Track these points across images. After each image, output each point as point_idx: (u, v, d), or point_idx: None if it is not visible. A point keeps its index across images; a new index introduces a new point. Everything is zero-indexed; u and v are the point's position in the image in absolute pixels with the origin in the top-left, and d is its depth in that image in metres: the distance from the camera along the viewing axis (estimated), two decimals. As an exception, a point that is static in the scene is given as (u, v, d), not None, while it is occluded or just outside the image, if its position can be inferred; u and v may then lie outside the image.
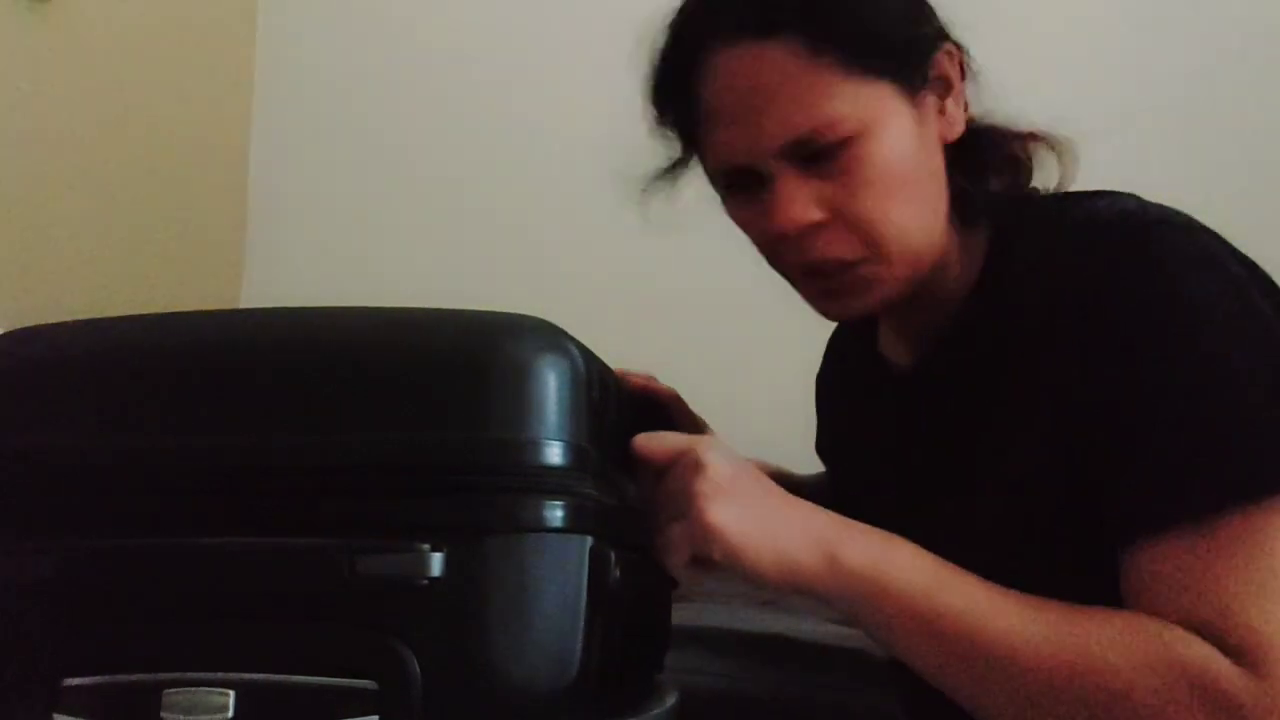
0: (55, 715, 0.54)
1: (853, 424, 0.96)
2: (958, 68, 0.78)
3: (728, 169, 0.76)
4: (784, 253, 0.76)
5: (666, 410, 0.98)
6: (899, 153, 0.73)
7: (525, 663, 0.54)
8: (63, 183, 1.63)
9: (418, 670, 0.52)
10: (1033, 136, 0.82)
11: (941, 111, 0.77)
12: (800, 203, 0.72)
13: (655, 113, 0.81)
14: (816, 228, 0.73)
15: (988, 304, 0.77)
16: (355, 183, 2.01)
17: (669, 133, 0.81)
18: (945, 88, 0.77)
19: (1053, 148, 0.81)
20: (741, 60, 0.72)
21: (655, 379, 0.97)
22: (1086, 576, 0.67)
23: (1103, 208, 0.74)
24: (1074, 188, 0.81)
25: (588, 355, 0.61)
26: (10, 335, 0.64)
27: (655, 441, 0.68)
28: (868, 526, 0.67)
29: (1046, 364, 0.71)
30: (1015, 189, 0.80)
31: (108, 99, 1.71)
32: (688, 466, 0.65)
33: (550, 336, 0.59)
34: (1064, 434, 0.70)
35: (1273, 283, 0.71)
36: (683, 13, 0.77)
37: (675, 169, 0.84)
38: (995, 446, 0.75)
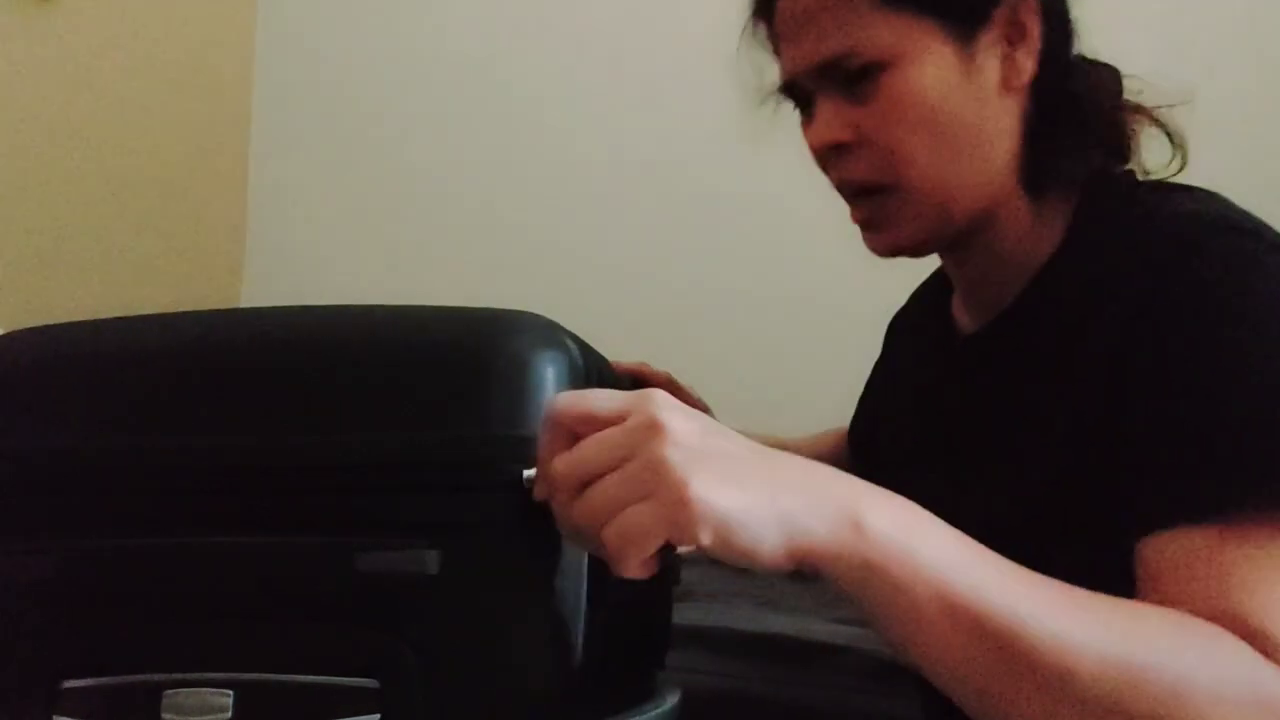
0: (55, 717, 0.54)
1: (913, 381, 0.96)
2: (1036, 17, 0.77)
3: (783, 84, 0.81)
4: (826, 172, 0.80)
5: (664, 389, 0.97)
6: (931, 88, 0.75)
7: (526, 660, 0.54)
8: (63, 183, 1.63)
9: (419, 668, 0.52)
10: (1140, 111, 0.81)
11: (1009, 59, 0.76)
12: (829, 123, 0.77)
13: (754, 29, 0.86)
14: (843, 148, 0.77)
15: (1054, 284, 0.77)
16: (355, 183, 2.01)
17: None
18: (1017, 35, 0.76)
19: (1162, 127, 0.81)
20: None
21: (647, 365, 0.97)
22: (1105, 561, 0.65)
23: (1183, 205, 0.73)
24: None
25: (586, 350, 0.61)
26: (10, 335, 0.64)
27: (581, 403, 0.52)
28: (885, 490, 0.55)
29: (1096, 351, 0.70)
30: (1109, 167, 0.80)
31: (108, 99, 1.71)
32: (641, 431, 0.50)
33: (548, 332, 0.59)
34: (1101, 420, 0.69)
35: None
36: None
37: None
38: (1034, 423, 0.74)
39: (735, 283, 1.79)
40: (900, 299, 1.05)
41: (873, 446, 1.01)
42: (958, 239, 0.80)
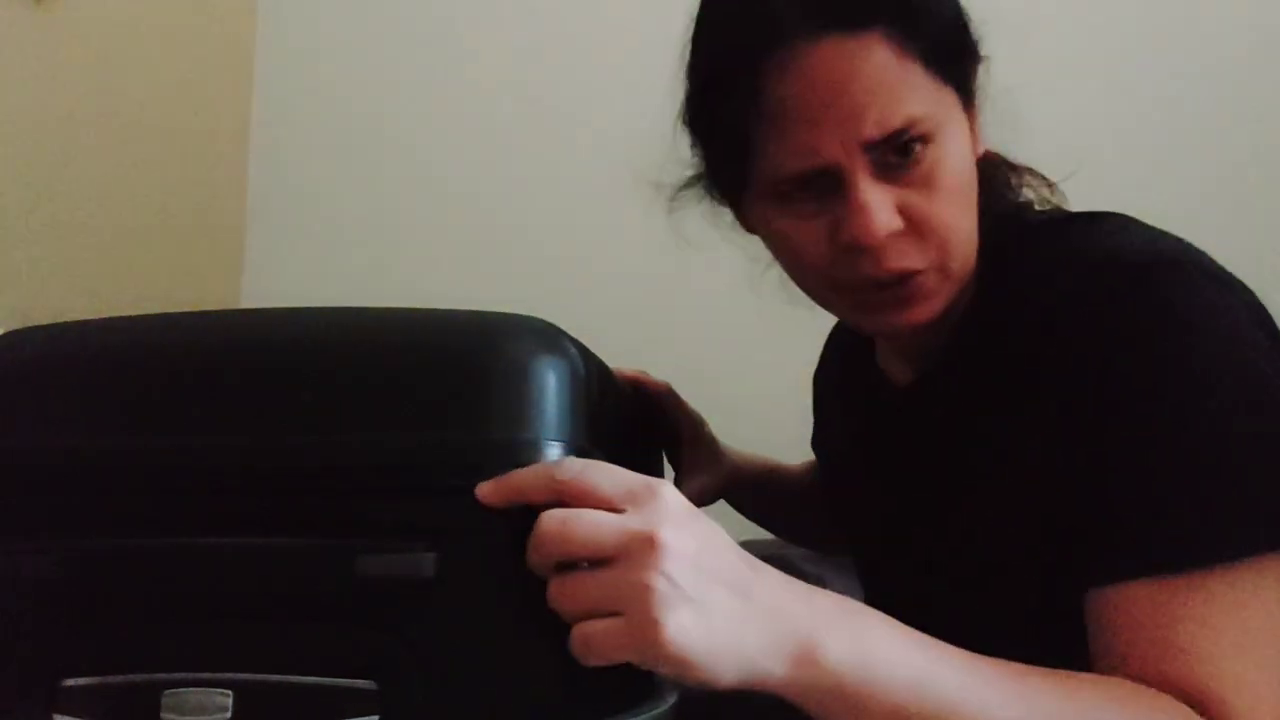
0: (55, 716, 0.54)
1: (848, 432, 0.95)
2: (977, 89, 0.76)
3: (803, 171, 0.69)
4: (849, 265, 0.71)
5: (661, 404, 0.98)
6: (964, 161, 0.72)
7: (524, 661, 0.54)
8: (62, 183, 1.63)
9: (418, 670, 0.52)
10: (1029, 171, 0.82)
11: (973, 123, 0.75)
12: (888, 210, 0.68)
13: (700, 115, 0.76)
14: (896, 237, 0.69)
15: (985, 327, 0.76)
16: (355, 183, 2.01)
17: (713, 135, 0.75)
18: (974, 99, 0.75)
19: (1046, 184, 0.82)
20: (832, 54, 0.66)
21: (647, 373, 0.97)
22: (1059, 609, 0.66)
23: (1106, 237, 0.72)
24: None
25: (587, 355, 0.61)
26: (10, 335, 0.64)
27: (586, 477, 0.53)
28: (844, 604, 0.57)
29: (1035, 397, 0.69)
30: (997, 203, 0.79)
31: (108, 99, 1.71)
32: (637, 541, 0.50)
33: (549, 336, 0.59)
34: (1049, 464, 0.68)
35: (1271, 325, 0.69)
36: (747, 8, 0.70)
37: (702, 179, 0.81)
38: (982, 470, 0.74)
39: (739, 288, 1.79)
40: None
41: (844, 504, 1.00)
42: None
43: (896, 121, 0.67)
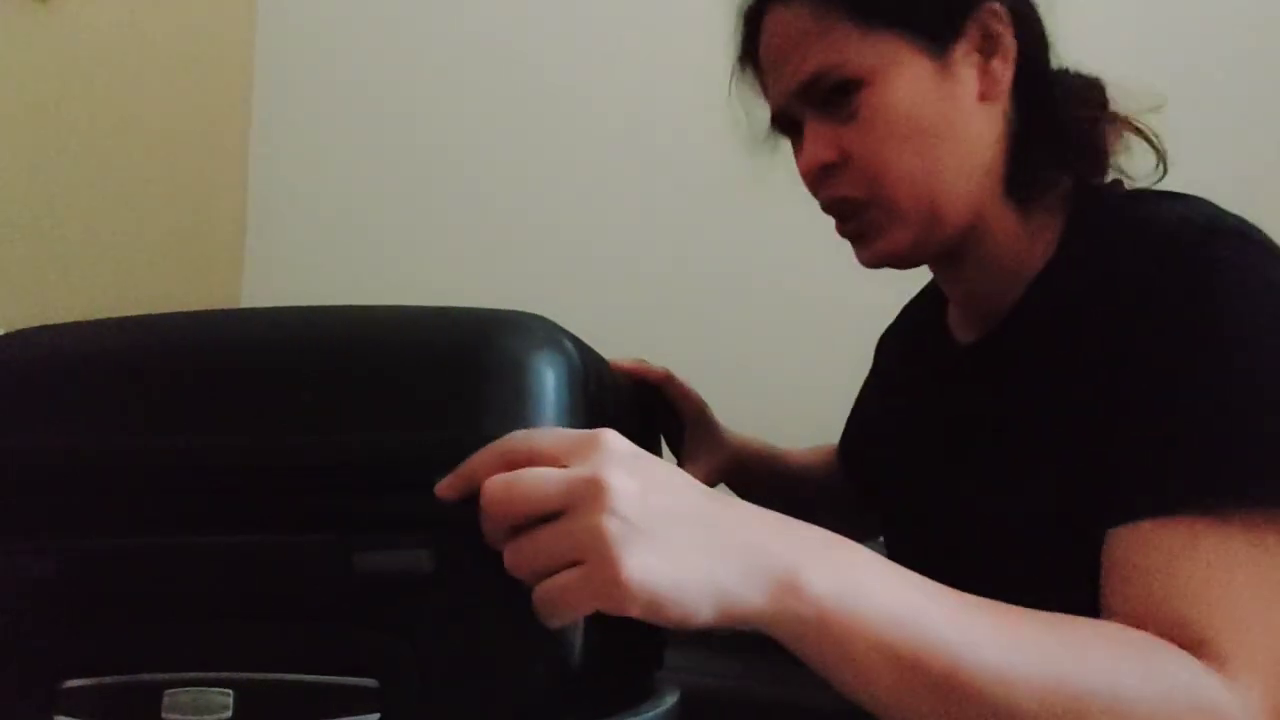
0: (56, 716, 0.54)
1: (907, 392, 0.96)
2: (1009, 28, 0.78)
3: (773, 118, 0.84)
4: (816, 195, 0.82)
5: (661, 392, 0.97)
6: (907, 101, 0.76)
7: (525, 660, 0.54)
8: (63, 183, 1.63)
9: (418, 668, 0.52)
10: (1121, 121, 0.82)
11: (985, 70, 0.78)
12: (816, 143, 0.78)
13: (742, 74, 0.89)
14: (830, 168, 0.79)
15: (1049, 292, 0.78)
16: (355, 183, 2.01)
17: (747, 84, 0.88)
18: (991, 46, 0.78)
19: (1144, 136, 0.81)
20: (774, 20, 0.81)
21: (646, 361, 0.97)
22: (1097, 566, 0.66)
23: (1170, 210, 0.73)
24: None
25: (584, 350, 0.61)
26: (10, 335, 0.64)
27: (527, 441, 0.52)
28: (827, 536, 0.56)
29: (1092, 354, 0.71)
30: (1094, 177, 0.81)
31: (108, 99, 1.71)
32: (581, 486, 0.50)
33: (546, 332, 0.59)
34: (1097, 420, 0.69)
35: None
36: None
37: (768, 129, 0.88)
38: (1038, 428, 0.74)
39: (737, 282, 1.79)
40: (897, 301, 1.06)
41: (867, 461, 1.01)
42: (947, 249, 0.80)
43: (808, 69, 0.78)
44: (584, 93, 1.91)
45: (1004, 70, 0.78)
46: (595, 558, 0.49)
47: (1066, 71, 0.83)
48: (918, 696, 0.54)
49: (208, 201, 1.95)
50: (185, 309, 0.65)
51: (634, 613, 0.49)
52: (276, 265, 2.01)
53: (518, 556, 0.51)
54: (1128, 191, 0.81)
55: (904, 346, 1.02)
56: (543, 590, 0.50)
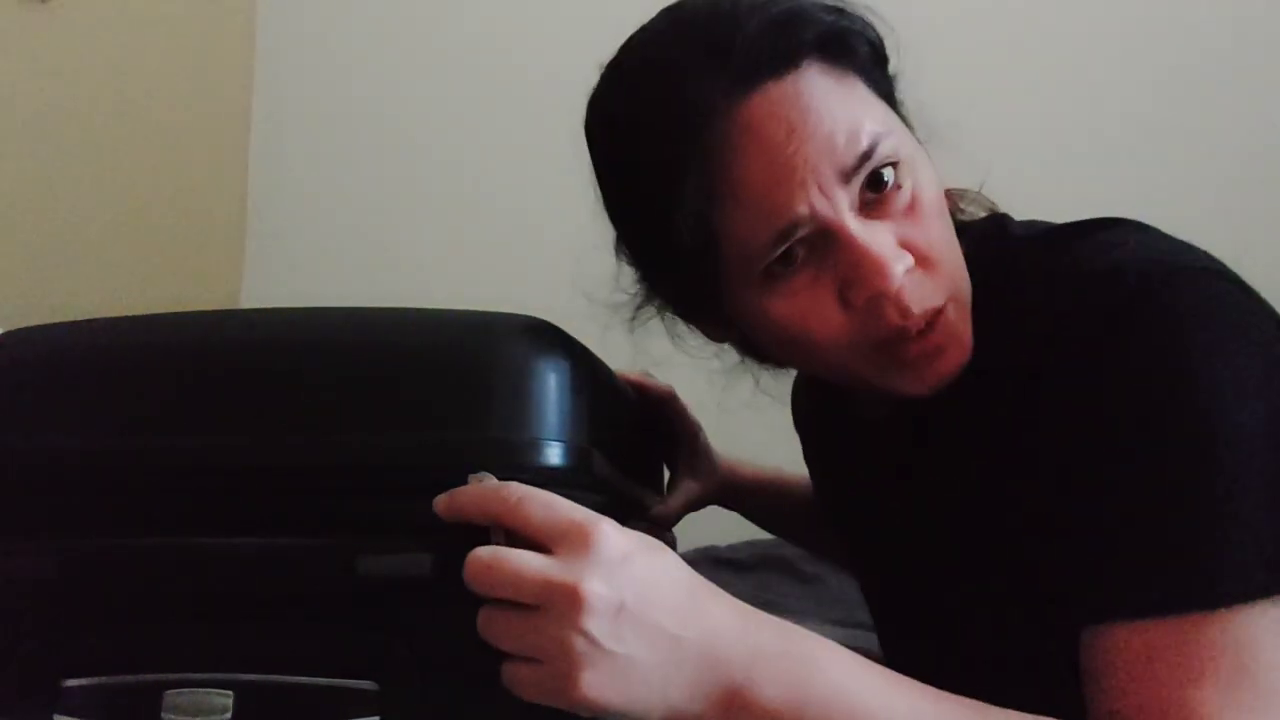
0: (56, 716, 0.54)
1: (827, 462, 0.93)
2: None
3: (781, 231, 0.61)
4: (871, 323, 0.62)
5: (662, 408, 0.98)
6: (935, 182, 0.65)
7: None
8: (62, 183, 1.63)
9: (418, 670, 0.52)
10: (964, 193, 0.75)
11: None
12: (893, 246, 0.61)
13: (646, 234, 0.69)
14: (910, 275, 0.61)
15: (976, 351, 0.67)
16: (355, 183, 2.01)
17: (668, 247, 0.63)
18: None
19: (984, 203, 0.75)
20: (774, 100, 0.60)
21: (649, 374, 0.96)
22: (1057, 645, 0.62)
23: (1101, 251, 0.64)
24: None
25: (588, 355, 0.61)
26: (10, 335, 0.64)
27: (524, 508, 0.52)
28: (788, 639, 0.55)
29: (1034, 425, 0.64)
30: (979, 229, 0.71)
31: (108, 99, 1.71)
32: (560, 592, 0.50)
33: (550, 336, 0.59)
34: (1041, 495, 0.63)
35: None
36: (664, 97, 0.63)
37: (654, 301, 0.75)
38: (971, 503, 0.69)
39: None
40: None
41: (841, 528, 0.95)
42: None
43: (865, 141, 0.61)
44: (588, 93, 1.91)
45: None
46: (554, 666, 0.50)
47: None
48: None
49: (208, 201, 1.95)
50: (185, 309, 0.65)
51: (586, 715, 0.51)
52: (276, 265, 2.01)
53: (489, 629, 0.52)
54: (1031, 228, 0.71)
55: (814, 416, 0.93)
56: (508, 671, 0.52)
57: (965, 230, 0.68)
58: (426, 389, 0.56)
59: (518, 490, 0.53)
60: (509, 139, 1.94)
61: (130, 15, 1.75)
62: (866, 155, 0.61)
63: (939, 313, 0.63)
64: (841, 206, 0.60)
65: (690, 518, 0.95)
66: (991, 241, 0.70)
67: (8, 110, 1.53)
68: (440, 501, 0.53)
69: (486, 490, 0.53)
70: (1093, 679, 0.59)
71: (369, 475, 0.55)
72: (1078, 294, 0.62)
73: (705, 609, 0.54)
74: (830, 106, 0.61)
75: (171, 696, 0.53)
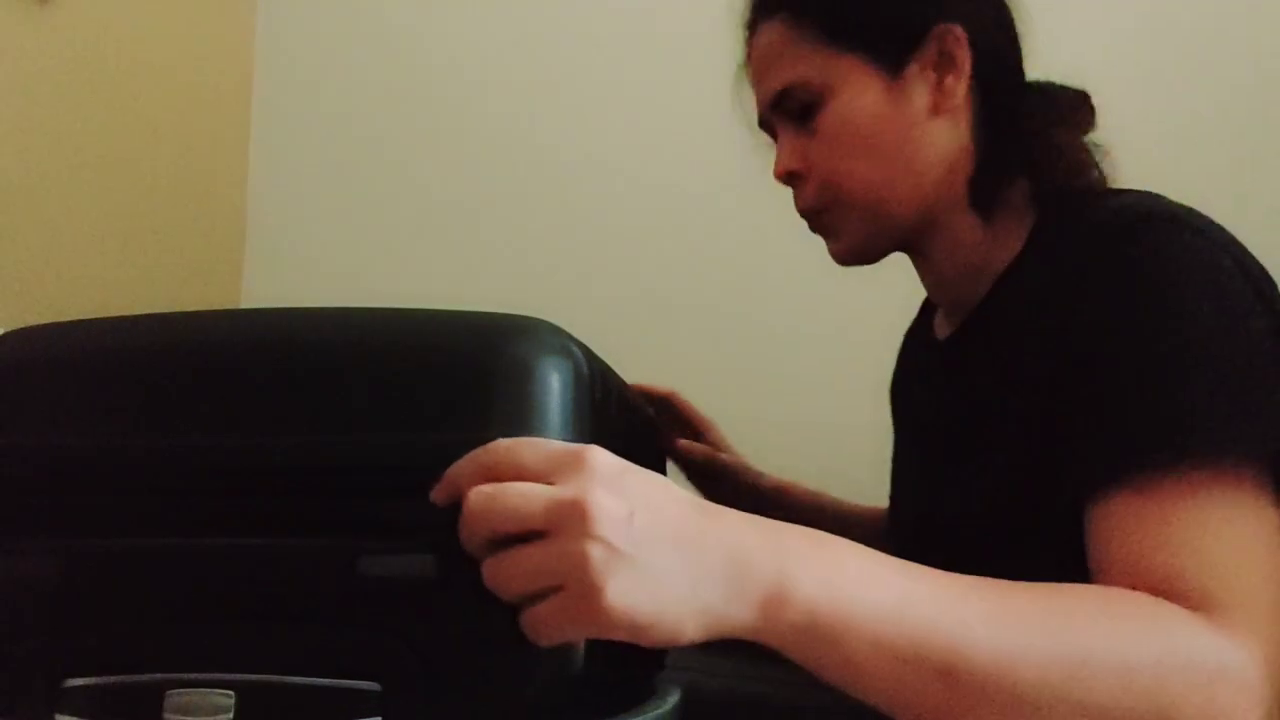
0: (57, 716, 0.54)
1: (911, 401, 1.02)
2: (965, 49, 0.84)
3: (758, 122, 0.92)
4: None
5: (668, 411, 0.98)
6: (862, 115, 0.84)
7: (526, 662, 0.54)
8: (63, 183, 1.63)
9: (421, 671, 0.52)
10: (1078, 134, 0.86)
11: (938, 86, 0.84)
12: (784, 153, 0.88)
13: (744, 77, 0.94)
14: (796, 176, 0.88)
15: (1011, 287, 0.83)
16: (355, 183, 2.01)
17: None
18: (946, 64, 0.84)
19: (1088, 151, 0.85)
20: (756, 36, 0.90)
21: (649, 386, 1.00)
22: (1071, 545, 0.67)
23: (1117, 201, 0.76)
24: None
25: (590, 356, 0.61)
26: (10, 335, 0.64)
27: (509, 456, 0.51)
28: (813, 536, 0.56)
29: (1039, 345, 0.74)
30: (1060, 182, 0.84)
31: (108, 99, 1.71)
32: (565, 509, 0.49)
33: (552, 337, 0.59)
34: (1051, 400, 0.72)
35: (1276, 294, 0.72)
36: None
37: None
38: (1001, 417, 0.77)
39: (747, 286, 1.79)
40: (896, 316, 1.07)
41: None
42: (901, 244, 0.88)
43: (776, 85, 0.87)
44: (589, 93, 1.91)
45: (957, 86, 0.84)
46: (576, 586, 0.49)
47: (1043, 84, 0.89)
48: (921, 687, 0.54)
49: (208, 201, 1.95)
50: (185, 309, 0.65)
51: (619, 637, 0.49)
52: (276, 265, 2.01)
53: (497, 575, 0.50)
54: (1088, 192, 0.84)
55: (910, 342, 1.08)
56: (529, 616, 0.50)
57: (1043, 194, 0.84)
58: (428, 389, 0.55)
59: (501, 442, 0.52)
60: (510, 139, 1.94)
61: (130, 15, 1.75)
62: (781, 96, 0.87)
63: (815, 212, 0.88)
64: (775, 119, 0.89)
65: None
66: (1053, 197, 0.84)
67: (8, 110, 1.53)
68: (438, 491, 0.53)
69: (473, 455, 0.52)
70: (1094, 552, 0.65)
71: (371, 475, 0.55)
72: (1084, 233, 0.75)
73: (718, 515, 0.54)
74: (770, 54, 0.87)
75: (173, 696, 0.53)
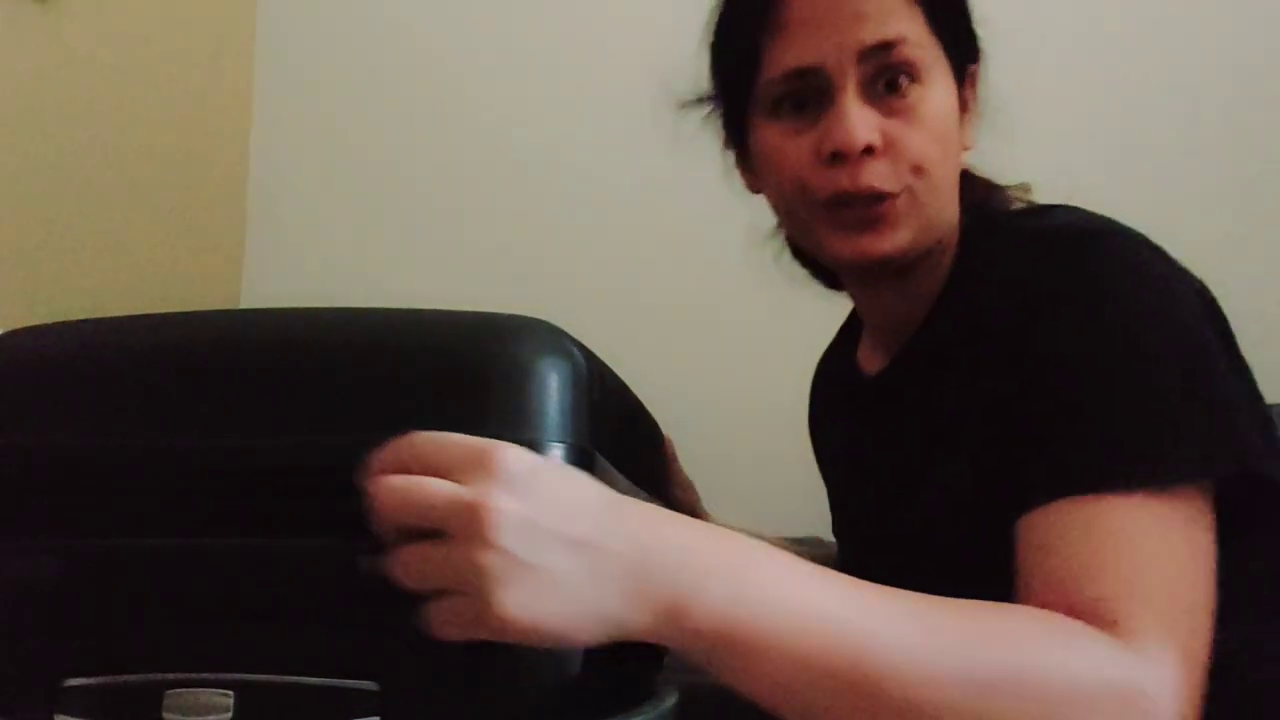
0: (57, 716, 0.54)
1: (830, 425, 0.99)
2: (974, 93, 0.83)
3: (797, 68, 0.75)
4: (826, 178, 0.75)
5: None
6: (949, 113, 0.78)
7: (526, 662, 0.54)
8: (63, 183, 1.63)
9: (419, 671, 0.52)
10: (1009, 189, 0.86)
11: (962, 120, 0.81)
12: (869, 124, 0.74)
13: (720, 31, 0.83)
14: (871, 153, 0.75)
15: (946, 312, 0.80)
16: (355, 183, 2.01)
17: (728, 47, 0.82)
18: (964, 103, 0.81)
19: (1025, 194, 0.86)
20: None
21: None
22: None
23: (1062, 218, 0.75)
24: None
25: (588, 356, 0.61)
26: (10, 335, 0.64)
27: (413, 451, 0.50)
28: (725, 541, 0.54)
29: (983, 370, 0.72)
30: (978, 197, 0.84)
31: (108, 99, 1.71)
32: (467, 513, 0.48)
33: (551, 337, 0.59)
34: (992, 424, 0.70)
35: (1215, 305, 0.72)
36: None
37: (711, 100, 0.86)
38: (939, 452, 0.76)
39: (748, 290, 1.79)
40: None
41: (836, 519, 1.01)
42: (914, 262, 0.80)
43: (892, 33, 0.74)
44: (590, 93, 1.91)
45: (969, 129, 0.82)
46: (476, 594, 0.48)
47: None
48: (833, 699, 0.53)
49: (208, 201, 1.95)
50: (185, 309, 0.65)
51: (516, 640, 0.49)
52: (276, 265, 2.01)
53: (403, 568, 0.50)
54: (1010, 210, 0.84)
55: (825, 411, 1.03)
56: (431, 611, 0.50)
57: (976, 211, 0.82)
58: (427, 389, 0.55)
59: (420, 435, 0.51)
60: (510, 138, 1.94)
61: (130, 15, 1.75)
62: (885, 46, 0.74)
63: (885, 196, 0.75)
64: (848, 75, 0.74)
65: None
66: (976, 218, 0.82)
67: (8, 110, 1.53)
68: (363, 478, 0.51)
69: (393, 445, 0.51)
70: (1022, 565, 0.64)
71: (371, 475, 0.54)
72: (1021, 252, 0.73)
73: (628, 517, 0.52)
74: (882, 3, 0.74)
75: (172, 697, 0.53)
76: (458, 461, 0.50)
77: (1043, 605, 0.61)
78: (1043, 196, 0.86)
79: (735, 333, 1.78)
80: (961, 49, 0.80)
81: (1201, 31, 1.77)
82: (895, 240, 0.76)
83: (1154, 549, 0.61)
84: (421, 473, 0.50)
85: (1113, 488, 0.62)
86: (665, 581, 0.51)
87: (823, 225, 0.78)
